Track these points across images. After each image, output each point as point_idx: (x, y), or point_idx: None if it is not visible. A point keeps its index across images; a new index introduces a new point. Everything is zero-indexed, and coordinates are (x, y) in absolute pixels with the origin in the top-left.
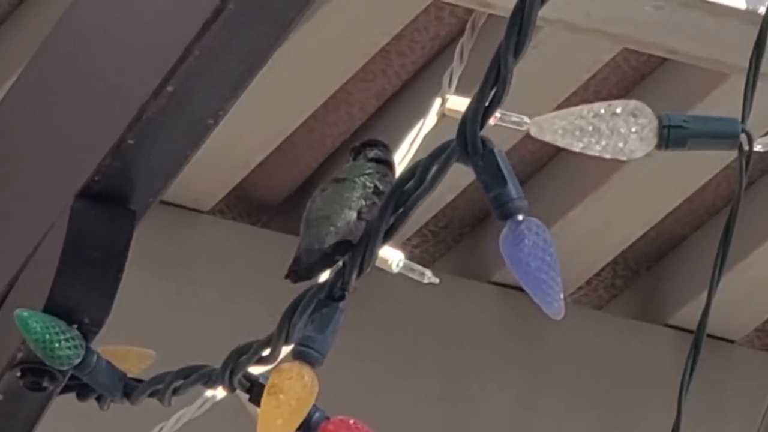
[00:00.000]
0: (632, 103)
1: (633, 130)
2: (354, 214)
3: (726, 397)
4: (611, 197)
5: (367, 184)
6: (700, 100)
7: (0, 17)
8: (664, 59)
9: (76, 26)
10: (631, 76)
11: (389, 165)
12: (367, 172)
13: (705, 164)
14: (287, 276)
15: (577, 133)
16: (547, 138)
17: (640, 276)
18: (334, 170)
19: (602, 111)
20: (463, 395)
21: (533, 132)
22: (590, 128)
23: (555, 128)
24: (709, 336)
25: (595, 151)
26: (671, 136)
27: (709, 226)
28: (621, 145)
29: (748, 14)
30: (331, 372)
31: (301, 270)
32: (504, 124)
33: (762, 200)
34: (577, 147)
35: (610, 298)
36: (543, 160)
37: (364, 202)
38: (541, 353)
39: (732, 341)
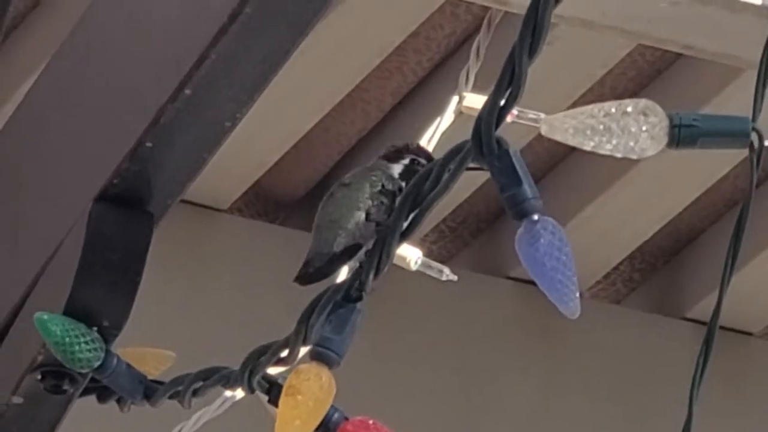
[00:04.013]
0: (643, 102)
1: (644, 128)
2: (362, 215)
3: (744, 389)
4: (629, 191)
5: (374, 184)
6: (716, 95)
7: (15, 20)
8: (680, 55)
9: (93, 30)
10: (647, 71)
11: (395, 159)
12: (374, 174)
13: (722, 158)
14: (296, 279)
15: (588, 132)
16: (558, 137)
17: (657, 270)
18: (350, 168)
19: (613, 110)
20: (481, 391)
21: (544, 131)
22: (601, 127)
23: (566, 127)
24: (727, 329)
25: (605, 150)
26: (682, 134)
27: (727, 219)
28: (632, 144)
29: (764, 9)
30: (350, 370)
31: (309, 274)
32: (521, 121)
33: None
34: (587, 146)
35: (628, 292)
36: (559, 157)
37: (371, 203)
38: (559, 348)
39: (750, 333)
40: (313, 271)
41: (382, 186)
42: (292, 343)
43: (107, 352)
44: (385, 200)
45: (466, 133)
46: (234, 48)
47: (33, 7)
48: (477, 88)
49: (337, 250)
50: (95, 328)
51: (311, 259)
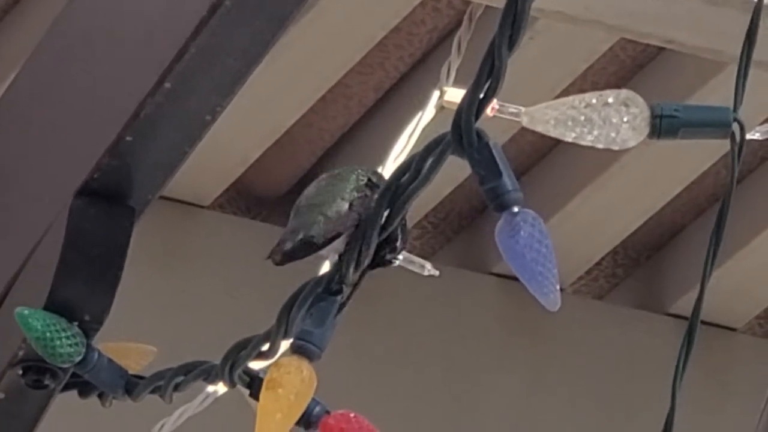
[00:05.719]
0: (624, 93)
1: (625, 119)
2: (346, 205)
3: (728, 385)
4: (611, 187)
5: (360, 177)
6: (698, 89)
7: None
8: (662, 49)
9: (73, 25)
10: (628, 66)
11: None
12: (360, 168)
13: (704, 152)
14: (269, 257)
15: (569, 123)
16: (539, 128)
17: (640, 265)
18: (333, 164)
19: (594, 101)
20: (464, 387)
21: (525, 122)
22: (582, 118)
23: (547, 118)
24: (711, 324)
25: (587, 140)
26: (663, 125)
27: (709, 214)
28: (613, 134)
29: (745, 3)
30: (333, 366)
31: (283, 252)
32: (502, 115)
33: (762, 187)
34: (569, 137)
35: (611, 288)
36: (543, 151)
37: (356, 194)
38: (542, 344)
39: (734, 329)
40: (287, 250)
41: (368, 179)
42: (272, 336)
43: (88, 346)
44: (369, 193)
45: (447, 128)
46: (214, 41)
47: (14, 3)
48: (458, 83)
49: (314, 234)
50: (76, 323)
51: (286, 238)
